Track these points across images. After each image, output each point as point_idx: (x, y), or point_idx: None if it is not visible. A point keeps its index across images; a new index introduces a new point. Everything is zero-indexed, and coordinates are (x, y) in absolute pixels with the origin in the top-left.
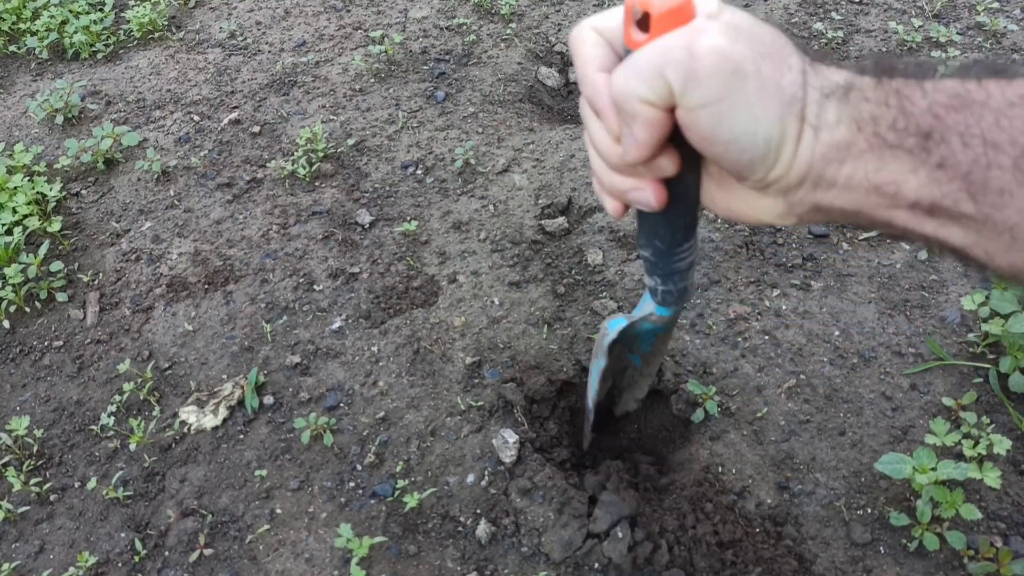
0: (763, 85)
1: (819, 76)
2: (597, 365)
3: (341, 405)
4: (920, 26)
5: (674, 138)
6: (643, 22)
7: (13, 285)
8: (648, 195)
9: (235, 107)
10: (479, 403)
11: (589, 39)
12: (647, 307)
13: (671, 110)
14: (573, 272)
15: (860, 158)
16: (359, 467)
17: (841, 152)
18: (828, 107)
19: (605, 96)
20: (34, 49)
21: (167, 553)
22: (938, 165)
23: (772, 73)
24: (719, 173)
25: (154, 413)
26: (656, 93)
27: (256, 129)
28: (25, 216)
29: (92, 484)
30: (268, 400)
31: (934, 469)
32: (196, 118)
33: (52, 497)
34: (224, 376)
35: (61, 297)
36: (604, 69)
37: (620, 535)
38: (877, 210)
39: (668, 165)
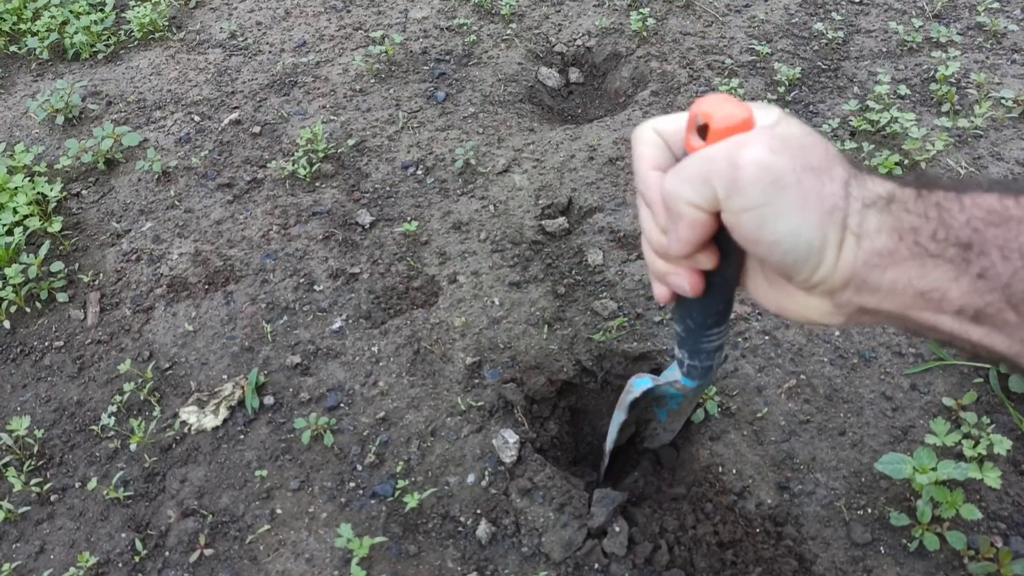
0: (803, 194)
1: (862, 187)
2: (617, 417)
3: (341, 405)
4: (920, 26)
5: (718, 234)
6: (703, 131)
7: (13, 285)
8: (684, 283)
9: (235, 107)
10: (479, 403)
11: (648, 139)
12: (674, 374)
13: (716, 213)
14: (573, 272)
15: (902, 265)
16: (359, 467)
17: (883, 259)
18: (870, 216)
19: (655, 193)
20: (35, 49)
21: (167, 553)
22: (979, 275)
23: (813, 184)
24: (770, 272)
25: (154, 413)
26: (702, 197)
27: (256, 129)
28: (26, 216)
29: (92, 484)
30: (268, 400)
31: (934, 469)
32: (196, 118)
33: (52, 497)
34: (224, 376)
35: (61, 297)
36: (657, 168)
37: (618, 529)
38: (923, 315)
39: (706, 261)
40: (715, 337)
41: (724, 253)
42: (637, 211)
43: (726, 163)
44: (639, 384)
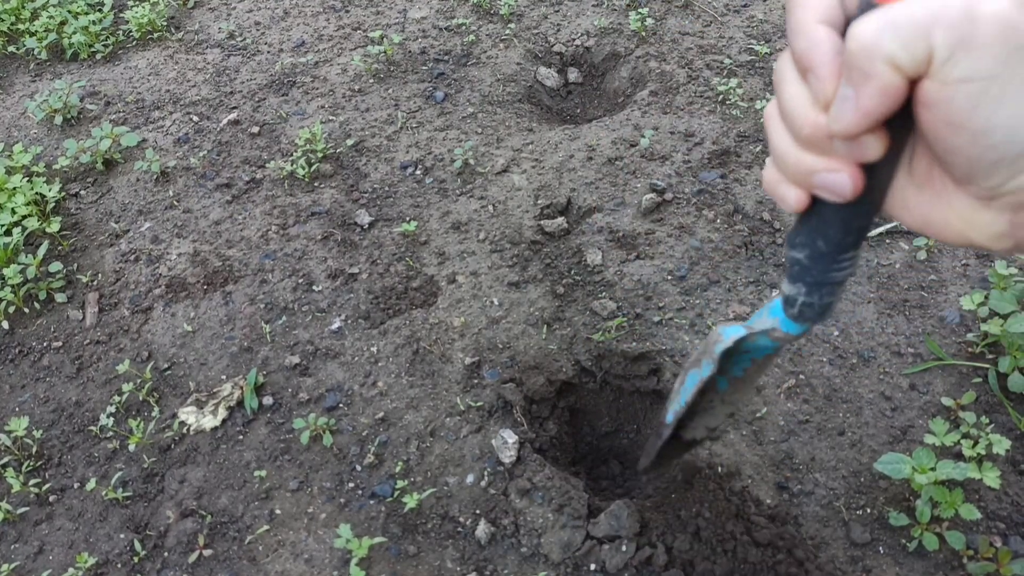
0: None
1: None
2: (698, 374)
3: (340, 406)
4: None
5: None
6: None
7: (12, 286)
8: (843, 179)
9: (234, 107)
10: (478, 403)
11: None
12: (768, 320)
13: (913, 81)
14: (572, 272)
15: None
16: (359, 467)
17: None
18: None
19: (824, 51)
20: (33, 50)
21: (166, 554)
22: None
23: None
24: (926, 173)
25: (153, 414)
26: (910, 55)
27: (255, 129)
28: (24, 217)
29: (91, 485)
30: (267, 401)
31: (933, 469)
32: (195, 118)
33: (51, 498)
34: (223, 377)
35: (60, 298)
36: (827, 21)
37: (624, 548)
38: None
39: (875, 146)
40: (847, 264)
41: (892, 142)
42: (776, 83)
43: (960, 13)
44: (729, 332)
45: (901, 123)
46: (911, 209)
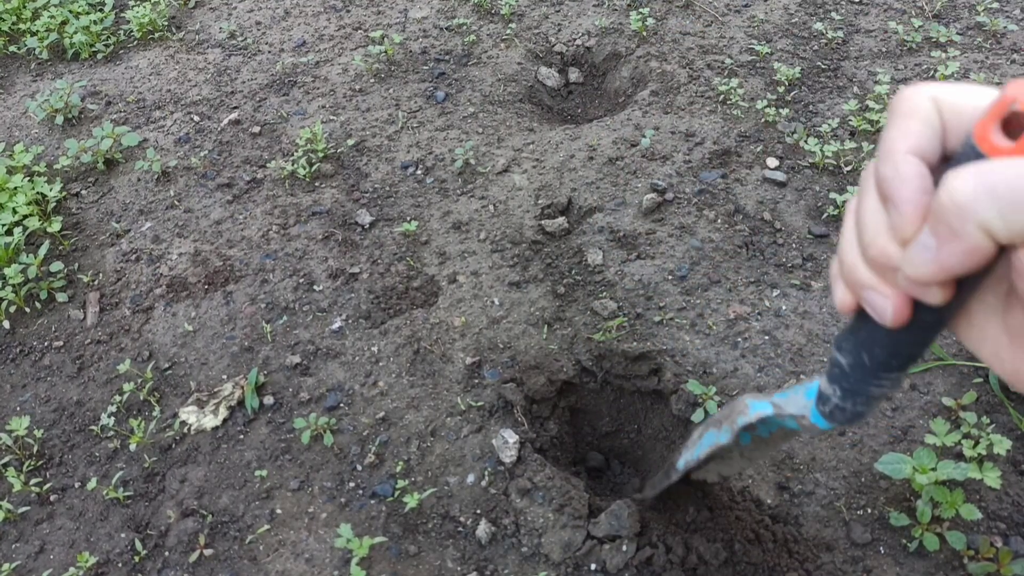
0: None
1: None
2: (716, 436)
3: (341, 405)
4: (920, 26)
5: None
6: (1013, 125)
7: (13, 285)
8: (886, 307)
9: (235, 107)
10: (479, 403)
11: (921, 111)
12: (800, 403)
13: (1004, 246)
14: (573, 272)
15: None
16: (359, 467)
17: None
18: None
19: (910, 188)
20: (34, 49)
21: (167, 553)
22: None
23: None
24: (1021, 328)
25: (154, 413)
26: (1007, 226)
27: (256, 129)
28: (25, 216)
29: (92, 484)
30: (268, 400)
31: (934, 469)
32: (196, 118)
33: (52, 497)
34: (224, 376)
35: (61, 297)
36: (918, 153)
37: (624, 548)
38: None
39: (937, 295)
40: (888, 383)
41: (959, 289)
42: (859, 189)
43: None
44: (756, 407)
45: (975, 278)
46: (1002, 360)
